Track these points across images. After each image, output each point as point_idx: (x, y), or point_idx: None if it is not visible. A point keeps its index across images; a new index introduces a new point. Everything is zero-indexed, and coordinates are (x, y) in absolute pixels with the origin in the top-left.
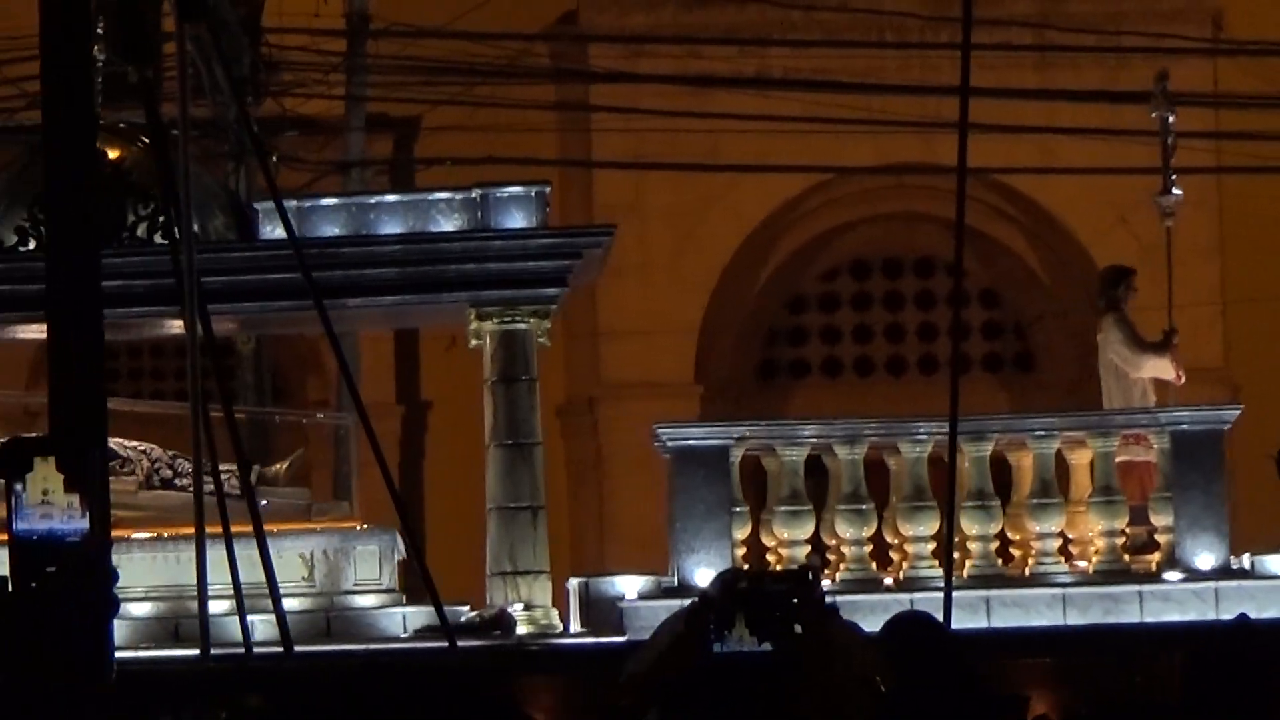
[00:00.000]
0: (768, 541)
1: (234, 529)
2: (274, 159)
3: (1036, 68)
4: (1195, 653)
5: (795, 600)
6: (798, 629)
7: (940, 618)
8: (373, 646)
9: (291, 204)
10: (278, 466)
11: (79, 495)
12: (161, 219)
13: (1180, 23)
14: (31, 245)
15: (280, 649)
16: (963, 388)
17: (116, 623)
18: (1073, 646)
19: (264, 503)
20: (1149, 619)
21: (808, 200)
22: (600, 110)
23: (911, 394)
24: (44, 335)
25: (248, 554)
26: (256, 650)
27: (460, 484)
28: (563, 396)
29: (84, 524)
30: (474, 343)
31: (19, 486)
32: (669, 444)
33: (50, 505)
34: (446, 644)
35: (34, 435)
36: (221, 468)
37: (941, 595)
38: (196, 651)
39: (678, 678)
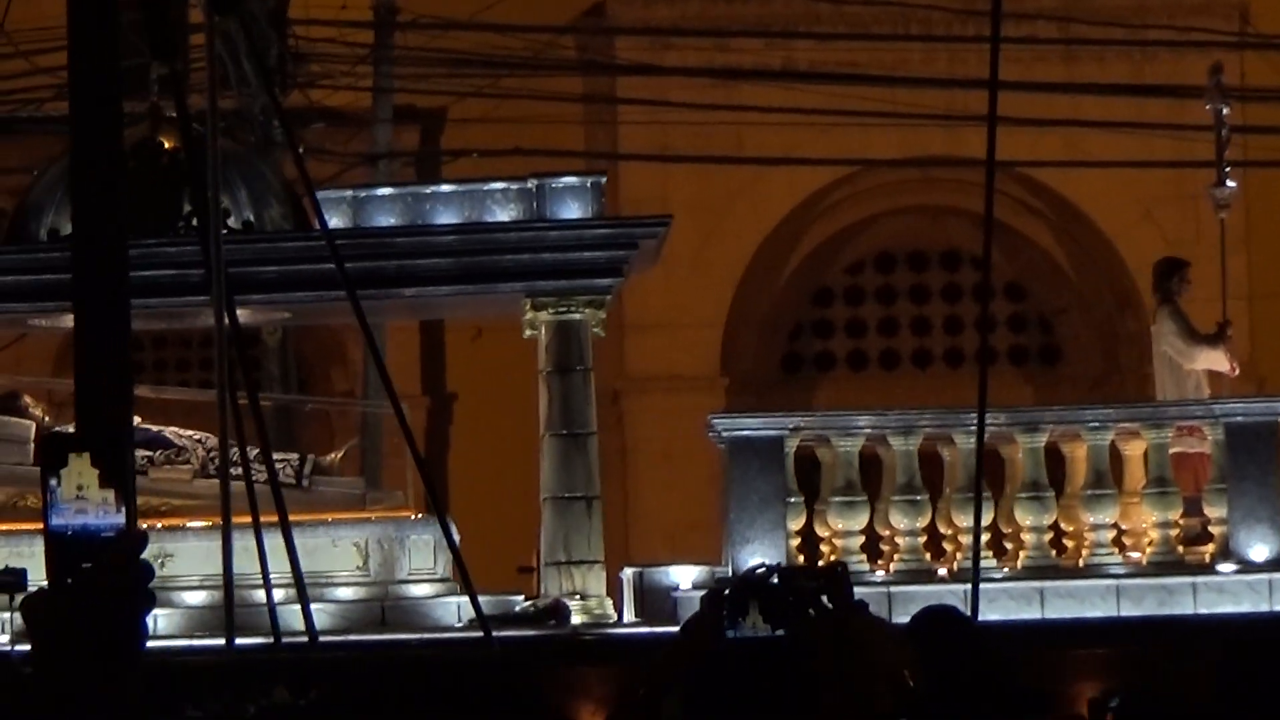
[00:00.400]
0: (821, 532)
1: (289, 517)
2: (301, 150)
3: (1063, 61)
4: (1230, 645)
5: (824, 596)
6: (812, 613)
7: (980, 609)
8: (402, 637)
9: (347, 194)
10: (332, 456)
11: (114, 490)
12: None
13: (1207, 16)
14: None
15: (306, 640)
16: (989, 381)
17: (170, 612)
18: (1112, 639)
19: (317, 490)
20: (1203, 610)
21: (833, 193)
22: (626, 103)
23: (937, 387)
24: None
25: (306, 542)
26: (286, 640)
27: (486, 474)
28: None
29: (120, 519)
30: (528, 333)
31: (54, 482)
32: (724, 434)
33: (85, 500)
34: (482, 635)
35: (69, 430)
36: (278, 457)
37: (995, 586)
38: (223, 641)
39: (692, 665)
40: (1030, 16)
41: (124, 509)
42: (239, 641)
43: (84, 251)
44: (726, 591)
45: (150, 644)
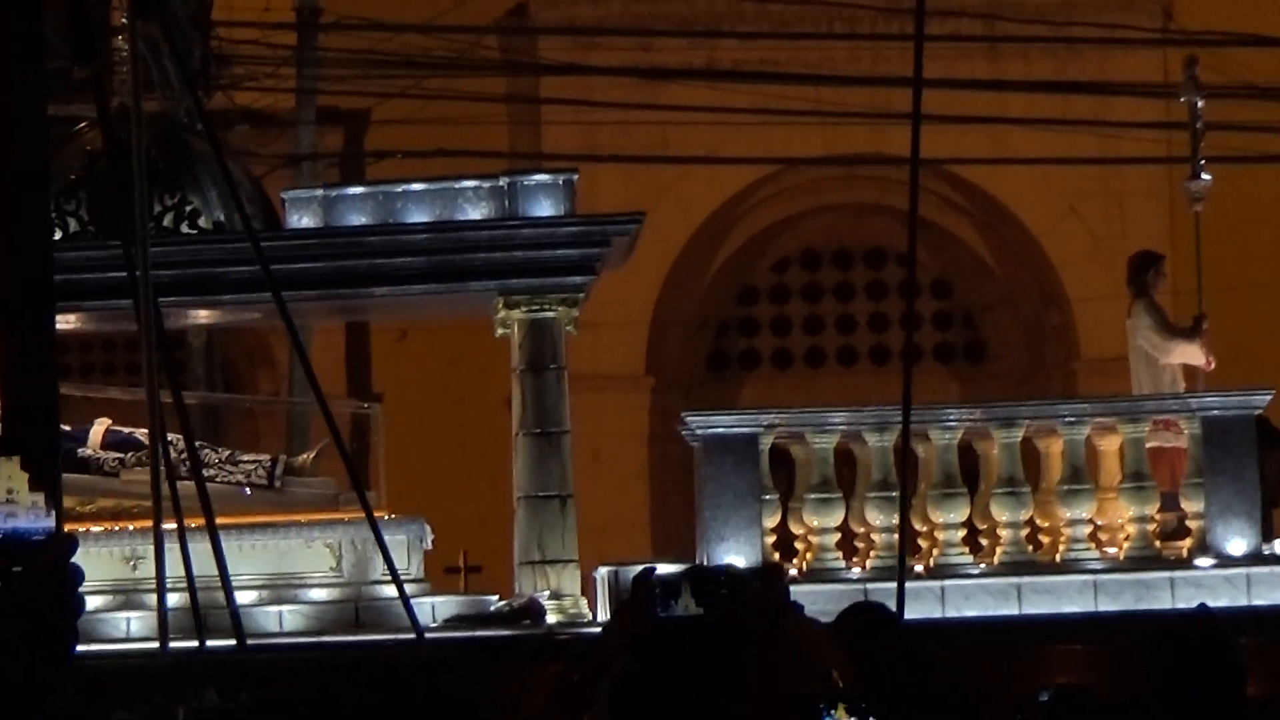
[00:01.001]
0: (796, 530)
1: (259, 519)
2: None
3: (987, 58)
4: (1157, 642)
5: (758, 595)
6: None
7: (958, 605)
8: (337, 639)
9: (318, 193)
10: (304, 456)
11: (44, 494)
12: (189, 209)
13: (1131, 13)
14: (58, 235)
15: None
16: (915, 378)
17: (144, 614)
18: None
19: (289, 491)
20: (1180, 605)
21: (758, 192)
22: (550, 103)
23: (863, 384)
24: (71, 325)
25: (278, 543)
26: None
27: (412, 475)
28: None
29: (49, 523)
30: (500, 331)
31: None
32: (698, 431)
33: (14, 505)
34: (414, 636)
35: None
36: (248, 457)
37: (972, 582)
38: (155, 645)
39: (624, 648)
40: (955, 14)
41: (54, 513)
42: (174, 645)
43: (9, 257)
44: (657, 574)
45: (120, 646)
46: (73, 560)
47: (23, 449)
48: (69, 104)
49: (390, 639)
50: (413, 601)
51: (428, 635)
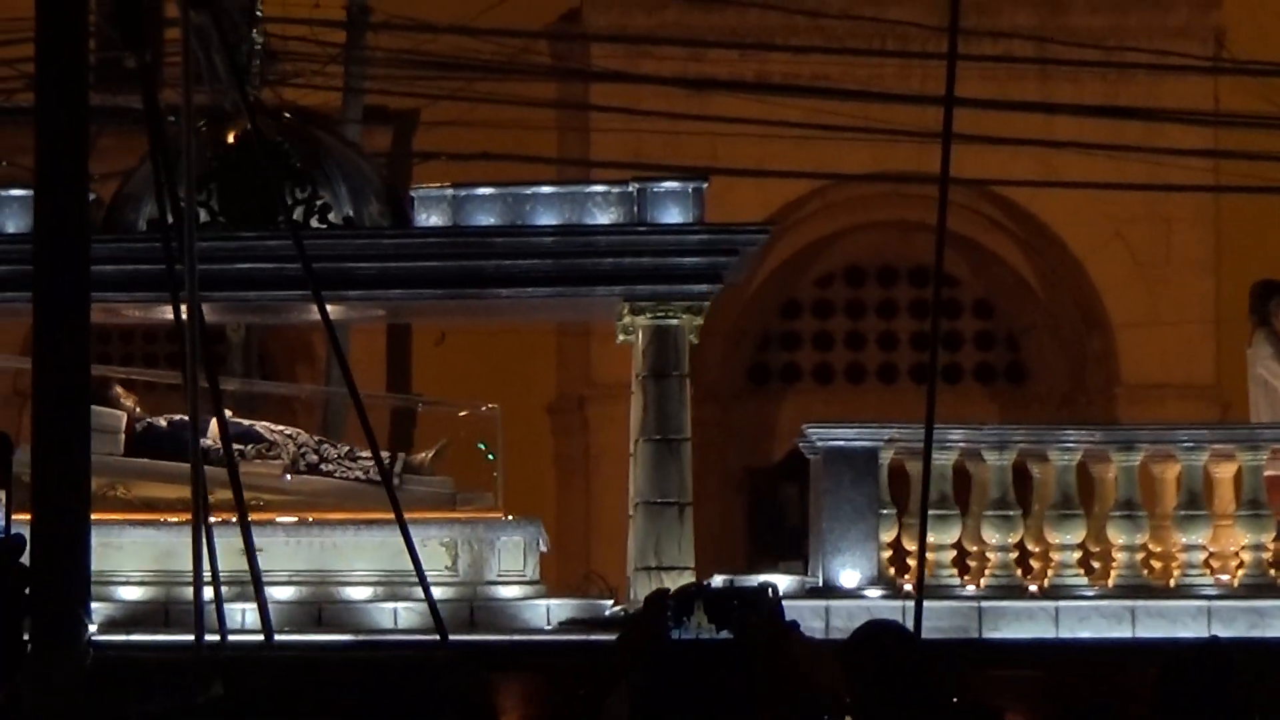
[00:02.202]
0: (908, 545)
1: (375, 516)
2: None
3: (1038, 80)
4: (1167, 670)
5: (754, 614)
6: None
7: (1071, 627)
8: (359, 638)
9: (447, 192)
10: (423, 455)
11: (4, 490)
12: (319, 203)
13: (1183, 39)
14: None
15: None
16: (953, 398)
17: (257, 606)
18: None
19: (407, 489)
20: None
21: (804, 206)
22: (600, 110)
23: (903, 402)
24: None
25: (394, 540)
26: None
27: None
28: (553, 395)
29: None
30: (621, 338)
31: None
32: (818, 444)
33: None
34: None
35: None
36: (367, 454)
37: (1089, 604)
38: (187, 636)
39: (633, 664)
40: (1006, 35)
41: (4, 511)
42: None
43: (46, 249)
44: (671, 593)
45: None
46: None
47: (54, 438)
48: (123, 94)
49: (413, 639)
50: (529, 604)
51: (461, 638)
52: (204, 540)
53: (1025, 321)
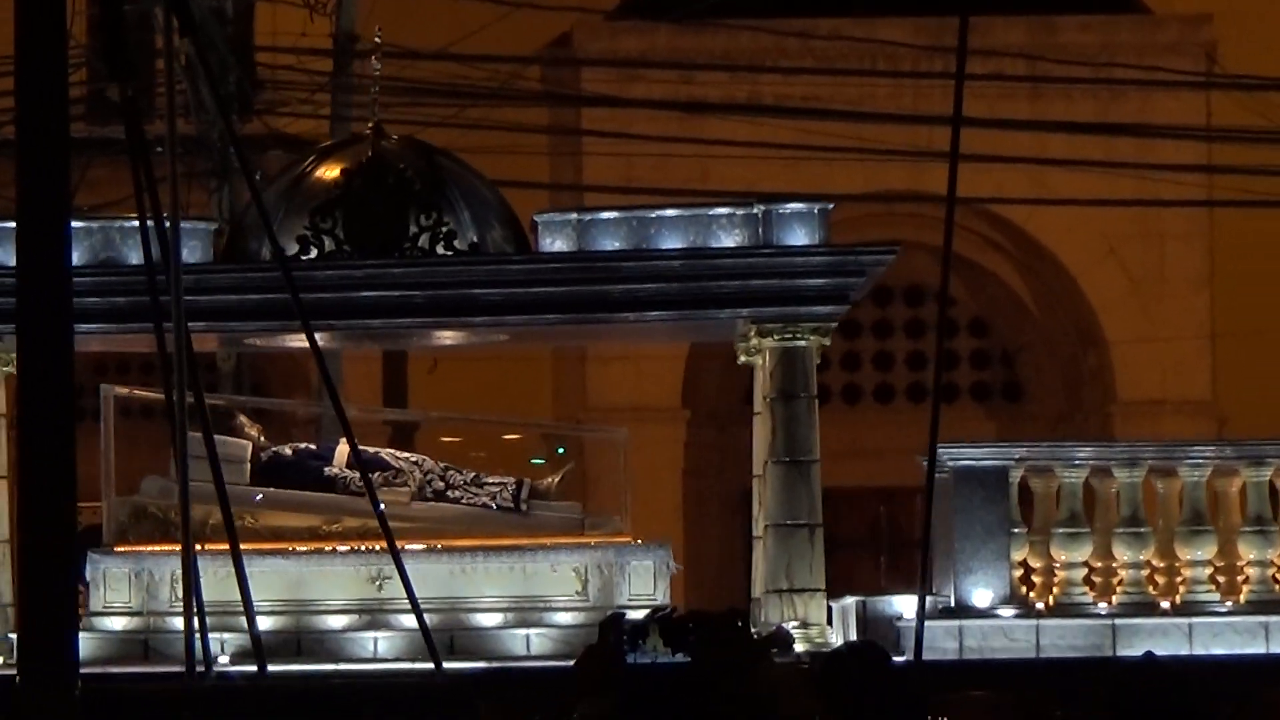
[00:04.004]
0: (1034, 563)
1: (504, 541)
2: (259, 176)
3: (1029, 98)
4: (1112, 688)
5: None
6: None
7: (1205, 643)
8: (354, 668)
9: (571, 217)
10: (549, 480)
11: None
12: (444, 230)
13: (1174, 55)
14: (313, 254)
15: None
16: (949, 417)
17: (390, 635)
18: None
19: (535, 515)
20: None
21: None
22: (591, 134)
23: (899, 421)
24: (320, 343)
25: (524, 566)
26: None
27: None
28: (550, 419)
29: None
30: (743, 359)
31: None
32: (949, 463)
33: None
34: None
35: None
36: (493, 480)
37: (1223, 620)
38: (172, 669)
39: (591, 688)
40: (998, 54)
41: None
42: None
43: (27, 275)
44: (626, 617)
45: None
46: None
47: (38, 466)
48: (112, 125)
49: (409, 668)
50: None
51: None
52: (194, 570)
53: (1021, 339)
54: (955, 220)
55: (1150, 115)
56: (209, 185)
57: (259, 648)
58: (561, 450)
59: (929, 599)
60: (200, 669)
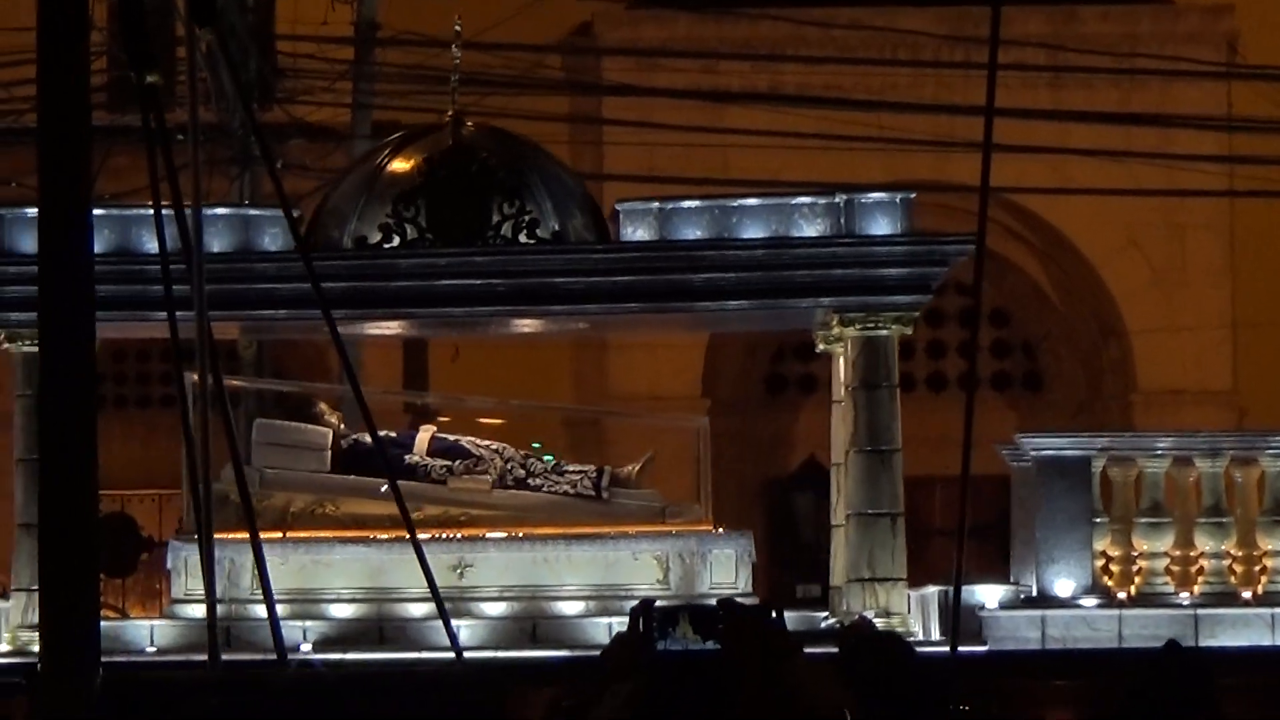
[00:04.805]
0: (1113, 552)
1: (586, 530)
2: (279, 165)
3: (1051, 88)
4: (1132, 675)
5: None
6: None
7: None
8: (374, 656)
9: (653, 205)
10: (630, 468)
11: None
12: (527, 218)
13: (1195, 45)
14: (395, 242)
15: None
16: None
17: (472, 624)
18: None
19: (616, 503)
20: None
21: None
22: (612, 124)
23: (920, 410)
24: (400, 330)
25: (606, 554)
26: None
27: None
28: (554, 411)
29: None
30: (821, 347)
31: None
32: (1031, 453)
33: None
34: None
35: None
36: (574, 468)
37: None
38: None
39: (621, 674)
40: (1019, 43)
41: None
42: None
43: (49, 270)
44: (656, 604)
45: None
46: None
47: (60, 454)
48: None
49: (429, 658)
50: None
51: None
52: (212, 558)
53: (1041, 330)
54: (976, 211)
55: (1171, 105)
56: (230, 173)
57: (278, 635)
58: (537, 445)
59: (1012, 589)
60: (287, 656)
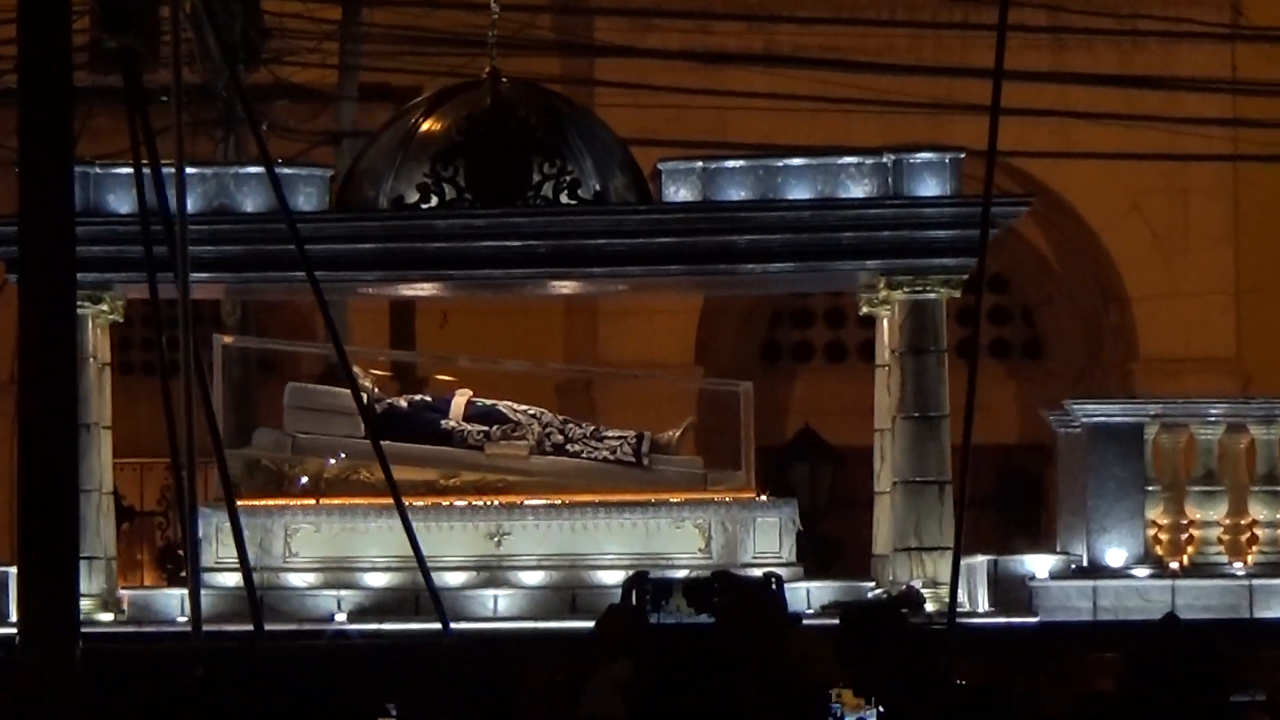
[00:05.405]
0: (1162, 521)
1: (626, 497)
2: (264, 127)
3: (1051, 50)
4: (1129, 649)
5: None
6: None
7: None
8: (361, 626)
9: (696, 165)
10: (670, 433)
11: None
12: (568, 177)
13: (1199, 6)
14: (434, 202)
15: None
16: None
17: (510, 593)
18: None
19: (657, 469)
20: None
21: None
22: (605, 85)
23: None
24: (435, 292)
25: (646, 522)
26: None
27: None
28: (559, 375)
29: None
30: (865, 310)
31: None
32: (1081, 419)
33: None
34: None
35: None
36: (613, 433)
37: None
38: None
39: (614, 648)
40: (1019, 4)
41: None
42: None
43: (30, 232)
44: (650, 576)
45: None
46: None
47: (40, 420)
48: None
49: (417, 629)
50: (786, 587)
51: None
52: (195, 528)
53: (1041, 296)
54: (975, 175)
55: (1175, 68)
56: (215, 135)
57: (255, 606)
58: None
59: (1062, 558)
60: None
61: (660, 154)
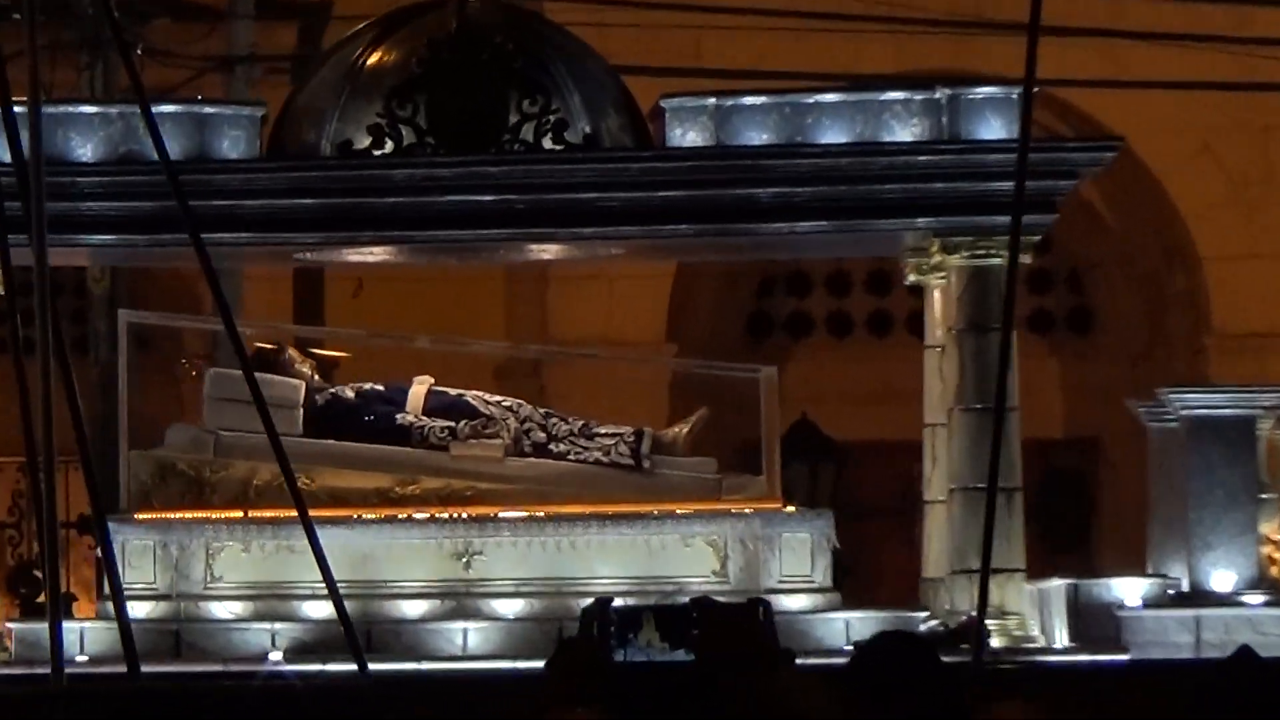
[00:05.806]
0: (1276, 535)
1: (623, 508)
2: (139, 51)
3: None
4: (1200, 684)
5: (742, 632)
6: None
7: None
8: (264, 668)
9: (708, 102)
10: (676, 430)
11: None
12: (553, 117)
13: None
14: (388, 148)
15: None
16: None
17: (482, 626)
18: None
19: (660, 474)
20: None
21: None
22: (557, 0)
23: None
24: (389, 258)
25: (647, 538)
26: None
27: None
28: (501, 355)
29: None
30: (912, 278)
31: None
32: (1181, 412)
33: None
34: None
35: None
36: (607, 430)
37: None
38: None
39: (573, 685)
40: None
41: None
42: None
43: None
44: (613, 605)
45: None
46: None
47: None
48: None
49: (331, 670)
50: (822, 617)
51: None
52: (56, 546)
53: (1091, 257)
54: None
55: None
56: (80, 61)
57: (129, 643)
58: None
59: (1157, 582)
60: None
61: (625, 83)
